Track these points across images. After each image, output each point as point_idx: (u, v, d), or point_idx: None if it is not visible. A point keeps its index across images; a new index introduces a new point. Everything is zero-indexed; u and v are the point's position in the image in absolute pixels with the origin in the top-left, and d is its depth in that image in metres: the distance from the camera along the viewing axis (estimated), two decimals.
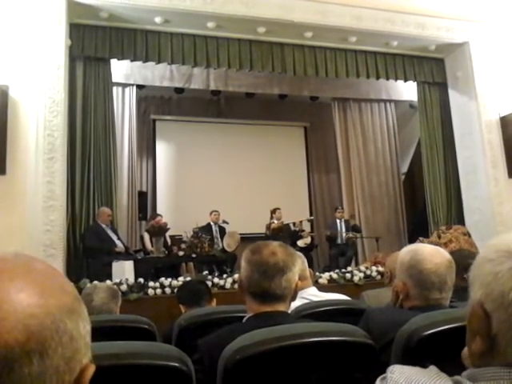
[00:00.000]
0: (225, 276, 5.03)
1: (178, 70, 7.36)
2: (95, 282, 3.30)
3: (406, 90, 8.19)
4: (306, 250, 6.90)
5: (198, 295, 2.53)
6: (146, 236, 6.53)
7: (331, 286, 4.87)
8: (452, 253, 1.61)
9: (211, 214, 7.20)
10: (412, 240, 6.80)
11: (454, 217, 6.97)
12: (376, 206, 8.57)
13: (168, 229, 6.39)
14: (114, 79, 6.40)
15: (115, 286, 2.51)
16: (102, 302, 2.27)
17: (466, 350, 0.68)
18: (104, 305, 2.27)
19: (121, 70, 6.95)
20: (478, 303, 0.63)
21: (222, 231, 7.13)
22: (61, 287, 0.49)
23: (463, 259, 1.93)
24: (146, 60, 5.91)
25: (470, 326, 0.65)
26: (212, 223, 7.13)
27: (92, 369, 0.50)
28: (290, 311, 1.54)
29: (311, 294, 2.20)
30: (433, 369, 0.66)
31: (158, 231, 6.18)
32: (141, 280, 4.71)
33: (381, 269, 5.42)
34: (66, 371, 0.46)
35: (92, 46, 5.62)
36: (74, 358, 0.47)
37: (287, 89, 8.26)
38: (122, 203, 6.94)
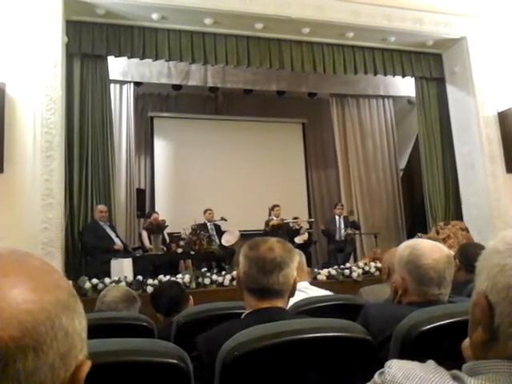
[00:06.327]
0: (223, 273, 5.04)
1: (176, 66, 7.35)
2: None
3: (404, 86, 8.18)
4: (304, 247, 6.89)
5: (177, 302, 2.44)
6: (145, 233, 6.54)
7: (330, 283, 4.88)
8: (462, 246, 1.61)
9: (205, 212, 7.17)
10: (411, 236, 6.82)
11: (452, 212, 6.97)
12: (374, 201, 8.58)
13: (166, 226, 6.38)
14: (112, 76, 6.39)
15: (134, 293, 2.49)
16: (111, 301, 2.30)
17: (466, 341, 0.68)
18: (112, 303, 2.29)
19: (118, 67, 6.94)
20: (482, 294, 0.63)
21: (218, 229, 7.12)
22: (56, 283, 0.49)
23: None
24: (143, 57, 5.89)
25: (473, 316, 0.65)
26: (207, 222, 7.11)
27: (88, 365, 0.50)
28: (288, 307, 1.54)
29: (305, 287, 2.24)
30: (431, 363, 0.66)
31: (157, 229, 6.17)
32: (139, 277, 4.71)
33: (379, 265, 5.42)
34: (61, 367, 0.46)
35: (89, 43, 5.59)
36: (69, 353, 0.47)
37: (285, 85, 8.25)
38: (120, 201, 6.93)
